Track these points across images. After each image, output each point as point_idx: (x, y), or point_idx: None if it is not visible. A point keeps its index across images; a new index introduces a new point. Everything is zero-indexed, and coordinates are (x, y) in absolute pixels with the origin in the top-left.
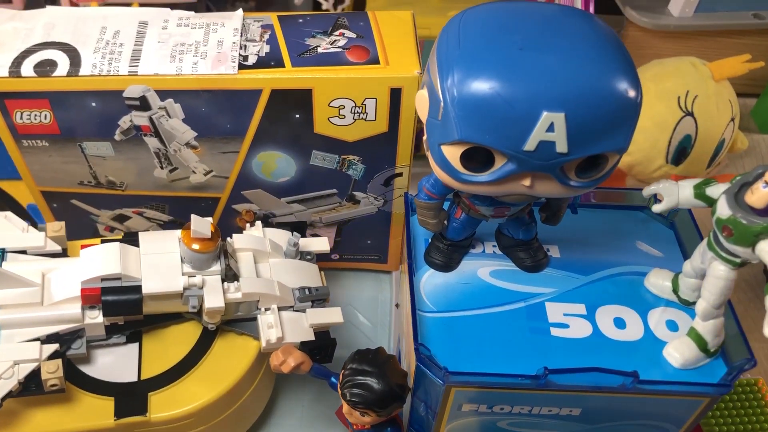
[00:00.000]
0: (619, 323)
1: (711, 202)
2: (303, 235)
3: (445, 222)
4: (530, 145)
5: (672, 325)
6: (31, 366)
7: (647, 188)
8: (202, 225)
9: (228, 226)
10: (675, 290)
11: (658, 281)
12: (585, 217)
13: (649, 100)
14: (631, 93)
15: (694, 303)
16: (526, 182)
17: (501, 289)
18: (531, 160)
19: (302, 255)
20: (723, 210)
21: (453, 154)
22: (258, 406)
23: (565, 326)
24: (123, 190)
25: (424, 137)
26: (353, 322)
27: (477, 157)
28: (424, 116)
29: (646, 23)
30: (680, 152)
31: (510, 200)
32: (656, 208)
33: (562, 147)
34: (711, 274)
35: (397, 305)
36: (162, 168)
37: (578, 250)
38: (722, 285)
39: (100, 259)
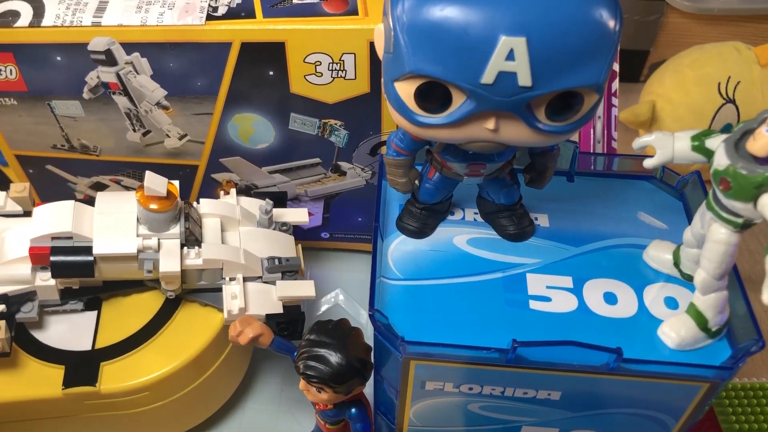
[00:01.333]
0: (610, 298)
1: (711, 156)
2: (282, 206)
3: (417, 183)
4: (488, 76)
5: (671, 303)
6: None
7: (637, 139)
8: (156, 182)
9: (209, 197)
10: (676, 263)
11: (658, 254)
12: (582, 186)
13: (687, 87)
14: (607, 17)
15: None
16: (490, 125)
17: (478, 258)
18: (491, 96)
19: (278, 226)
20: (721, 160)
21: (406, 91)
22: (227, 385)
23: (547, 299)
24: (98, 155)
25: (382, 79)
26: (344, 306)
27: (433, 96)
28: (380, 53)
29: (689, 7)
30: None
31: (477, 148)
32: (648, 162)
33: (524, 79)
34: (710, 239)
35: None
36: (135, 131)
37: (571, 219)
38: (722, 251)
39: (52, 217)
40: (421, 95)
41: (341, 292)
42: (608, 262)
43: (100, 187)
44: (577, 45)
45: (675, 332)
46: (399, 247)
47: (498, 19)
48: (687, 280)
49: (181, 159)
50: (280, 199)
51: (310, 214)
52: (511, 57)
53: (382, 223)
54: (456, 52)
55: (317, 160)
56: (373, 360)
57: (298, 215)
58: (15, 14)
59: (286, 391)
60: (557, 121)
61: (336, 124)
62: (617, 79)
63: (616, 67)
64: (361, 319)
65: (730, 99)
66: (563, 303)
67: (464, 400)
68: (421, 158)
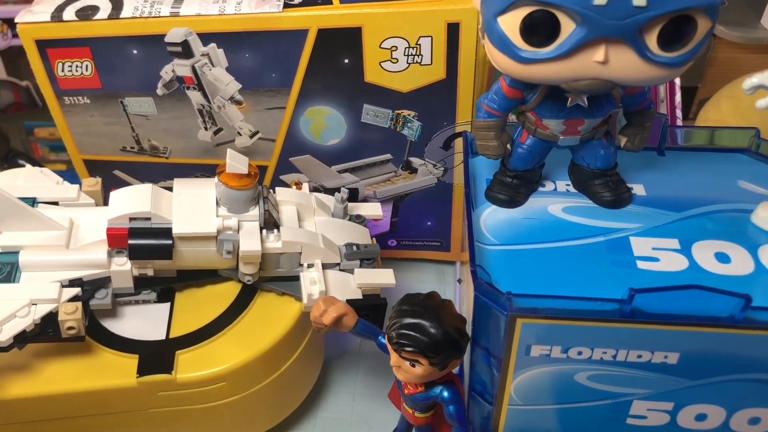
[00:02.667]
0: (722, 258)
1: None
2: (354, 201)
3: (509, 147)
4: None
5: None
6: (49, 307)
7: (748, 79)
8: (238, 159)
9: None
10: None
11: None
12: (674, 160)
13: (744, 113)
14: None
15: None
16: (599, 56)
17: (575, 224)
18: (603, 19)
19: (352, 218)
20: None
21: (511, 24)
22: (303, 382)
23: (655, 260)
24: (167, 157)
25: (479, 24)
26: None
27: (539, 28)
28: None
29: (738, 38)
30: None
31: (585, 87)
32: (761, 103)
33: None
34: None
35: (459, 281)
36: (206, 129)
37: (668, 188)
38: None
39: (130, 199)
40: (526, 28)
41: None
42: (714, 226)
43: None
44: None
45: None
46: (491, 215)
47: None
48: None
49: (252, 159)
50: (353, 196)
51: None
52: None
53: (470, 196)
54: None
55: (388, 156)
56: (469, 333)
57: (372, 209)
58: (94, 9)
59: (358, 400)
60: (670, 52)
61: (409, 114)
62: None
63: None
64: None
65: None
66: (673, 262)
67: (572, 369)
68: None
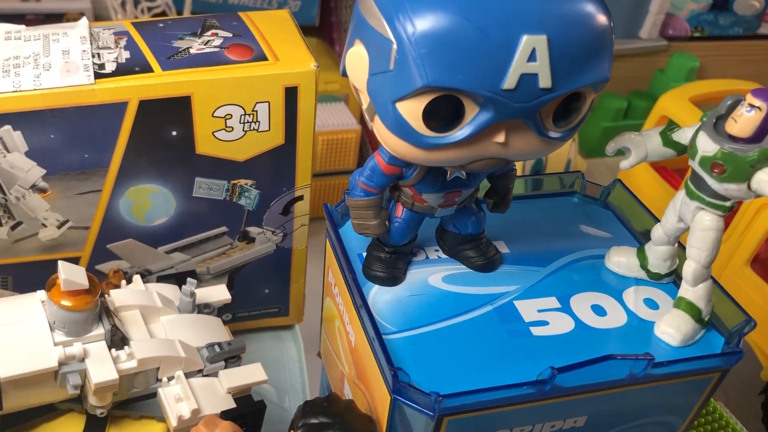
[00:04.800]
0: (598, 310)
1: (680, 148)
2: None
3: (387, 224)
4: (510, 81)
5: (651, 304)
6: None
7: (611, 143)
8: (74, 272)
9: None
10: (643, 265)
11: (621, 259)
12: (518, 210)
13: None
14: (605, 11)
15: (666, 275)
16: (500, 138)
17: (460, 295)
18: (510, 102)
19: (200, 309)
20: (707, 146)
21: (413, 110)
22: None
23: (545, 323)
24: None
25: (365, 105)
26: (259, 391)
27: (442, 113)
28: (361, 78)
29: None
30: (535, 174)
31: (479, 167)
32: (624, 164)
33: (545, 81)
34: (698, 228)
35: (319, 354)
36: (1, 225)
37: (525, 242)
38: (713, 237)
39: None
40: (429, 113)
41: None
42: (579, 276)
43: None
44: (588, 41)
45: (674, 329)
46: (377, 297)
47: (517, 17)
48: (654, 280)
49: (60, 252)
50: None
51: None
52: (533, 57)
53: (357, 282)
54: (475, 57)
55: (223, 229)
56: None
57: (219, 292)
58: None
59: None
60: (561, 127)
61: (246, 184)
62: None
63: None
64: (284, 403)
65: None
66: (561, 324)
67: None
68: None
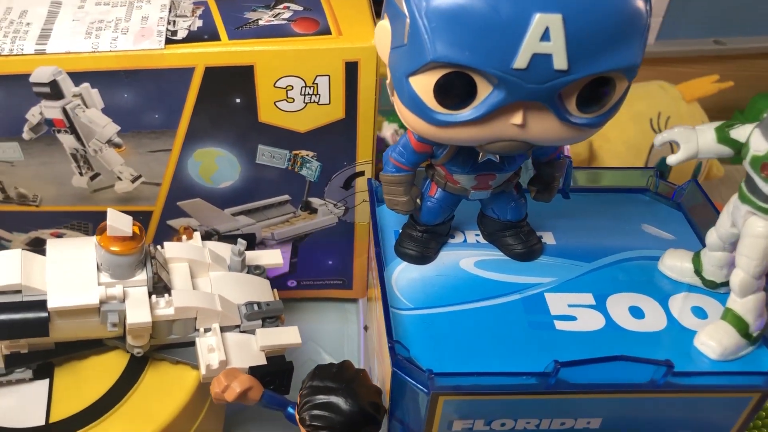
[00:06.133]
0: (636, 312)
1: (737, 146)
2: (252, 248)
3: (418, 202)
4: (521, 61)
5: (699, 313)
6: None
7: (659, 135)
8: (120, 220)
9: None
10: (698, 271)
11: (675, 263)
12: (579, 202)
13: (622, 124)
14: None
15: (722, 284)
16: (518, 119)
17: (490, 281)
18: (523, 83)
19: (250, 270)
20: (759, 145)
21: (425, 85)
22: None
23: (572, 318)
24: (37, 205)
25: (388, 80)
26: (316, 359)
27: (454, 90)
28: (385, 52)
29: None
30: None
31: (499, 149)
32: (672, 159)
33: (560, 62)
34: (748, 234)
35: (365, 327)
36: (81, 174)
37: (576, 236)
38: (764, 245)
39: None
40: (441, 89)
41: (315, 344)
42: (625, 276)
43: (39, 243)
44: (613, 22)
45: (716, 341)
46: (402, 274)
47: None
48: (710, 288)
49: (134, 205)
50: (249, 242)
51: None
52: (546, 37)
53: (381, 256)
54: (484, 34)
55: (286, 197)
56: (386, 404)
57: (272, 257)
58: None
59: None
60: (588, 113)
61: (308, 155)
62: None
63: None
64: None
65: None
66: (590, 321)
67: None
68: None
